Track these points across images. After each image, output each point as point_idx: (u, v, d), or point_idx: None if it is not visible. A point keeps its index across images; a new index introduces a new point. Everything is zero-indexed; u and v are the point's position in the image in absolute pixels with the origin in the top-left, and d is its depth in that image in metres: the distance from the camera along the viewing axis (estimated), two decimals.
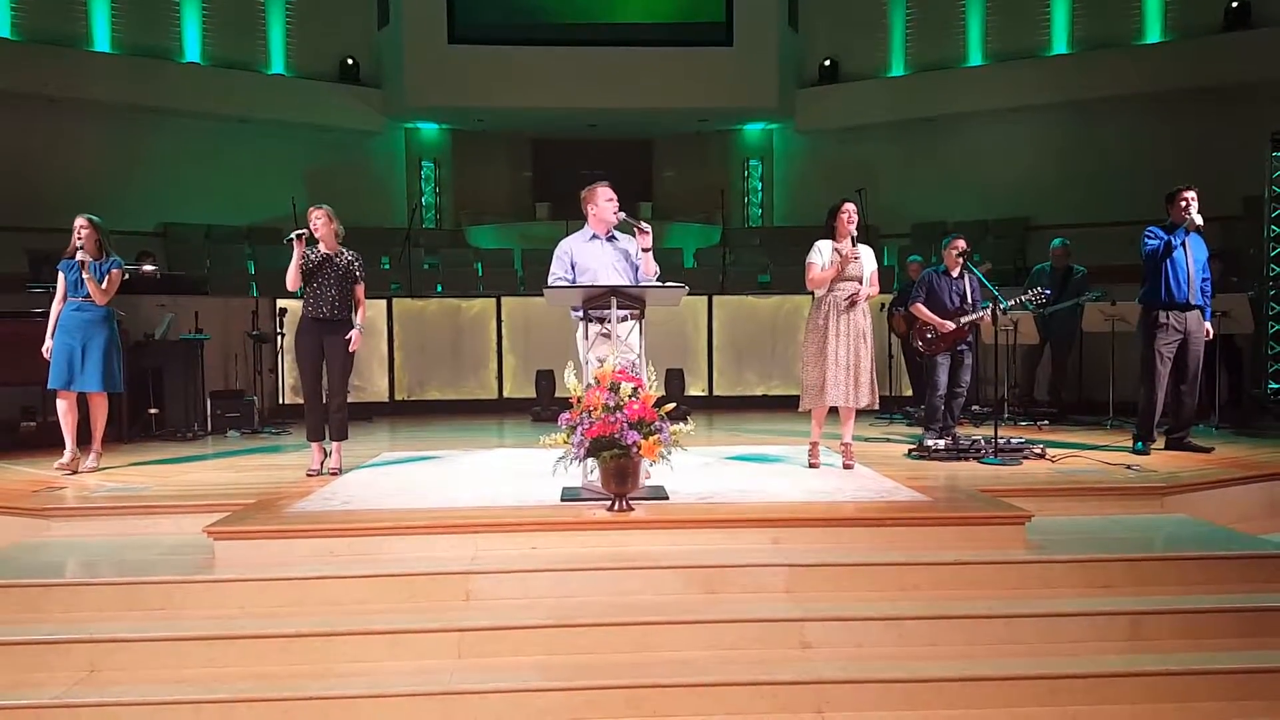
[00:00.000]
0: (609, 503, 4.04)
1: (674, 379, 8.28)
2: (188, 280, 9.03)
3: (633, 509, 4.01)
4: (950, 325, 6.16)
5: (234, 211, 11.68)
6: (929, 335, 6.27)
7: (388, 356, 9.01)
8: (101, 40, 11.17)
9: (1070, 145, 11.48)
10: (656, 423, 3.91)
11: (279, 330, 8.10)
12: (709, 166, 13.70)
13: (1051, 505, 4.49)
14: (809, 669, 3.27)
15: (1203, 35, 10.69)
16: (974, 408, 7.34)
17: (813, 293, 5.26)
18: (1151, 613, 3.52)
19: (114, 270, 5.39)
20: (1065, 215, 10.62)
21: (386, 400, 8.94)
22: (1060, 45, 11.63)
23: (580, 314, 4.57)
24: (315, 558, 3.77)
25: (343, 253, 5.21)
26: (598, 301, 4.42)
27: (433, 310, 9.22)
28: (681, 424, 4.24)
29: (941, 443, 5.69)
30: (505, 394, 9.09)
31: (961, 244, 6.27)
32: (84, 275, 5.27)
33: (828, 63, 12.81)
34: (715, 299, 9.22)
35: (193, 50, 11.73)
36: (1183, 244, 5.61)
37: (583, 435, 3.88)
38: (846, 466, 5.17)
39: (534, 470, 4.80)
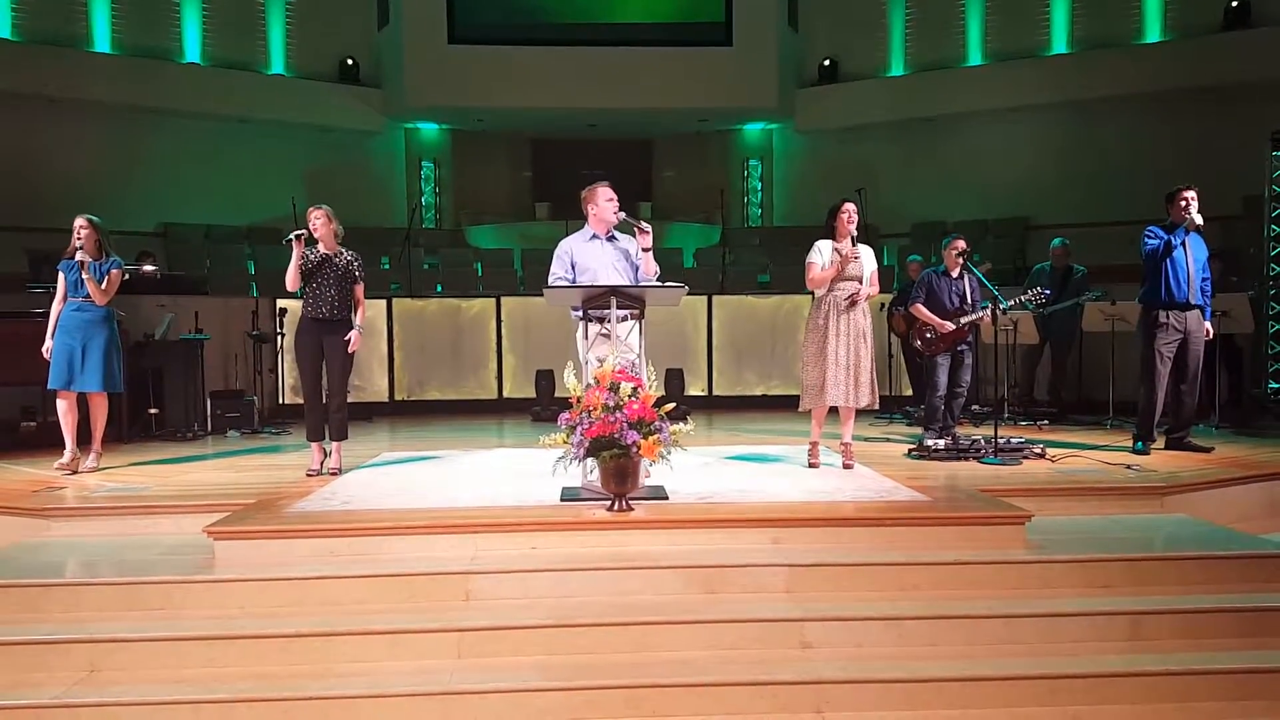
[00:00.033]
0: (609, 503, 4.04)
1: (674, 379, 8.28)
2: (188, 280, 9.04)
3: (632, 509, 4.01)
4: (950, 325, 6.16)
5: (234, 211, 11.68)
6: (928, 335, 6.27)
7: (387, 356, 9.01)
8: (101, 40, 11.17)
9: (1070, 145, 11.48)
10: (656, 422, 3.91)
11: (279, 330, 8.10)
12: (709, 166, 13.70)
13: (1051, 505, 4.49)
14: (809, 669, 3.27)
15: (1202, 35, 10.69)
16: (974, 407, 7.34)
17: (812, 293, 5.26)
18: (1151, 613, 3.52)
19: (113, 270, 5.39)
20: (1065, 215, 10.62)
21: (386, 400, 8.94)
22: (1060, 45, 11.63)
23: (580, 314, 4.57)
24: (315, 558, 3.77)
25: (342, 253, 5.21)
26: (597, 301, 4.42)
27: (432, 310, 9.23)
28: (681, 424, 4.24)
29: (941, 442, 5.69)
30: (505, 394, 9.09)
31: (961, 244, 6.27)
32: (83, 275, 5.27)
33: (827, 63, 12.81)
34: (715, 299, 9.22)
35: (193, 50, 11.74)
36: (1183, 244, 5.61)
37: (582, 435, 3.88)
38: (846, 466, 5.17)
39: (534, 470, 4.80)
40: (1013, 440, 5.71)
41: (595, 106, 12.30)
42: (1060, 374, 8.05)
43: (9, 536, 4.34)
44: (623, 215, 4.71)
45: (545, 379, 8.20)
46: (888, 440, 6.63)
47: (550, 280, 4.66)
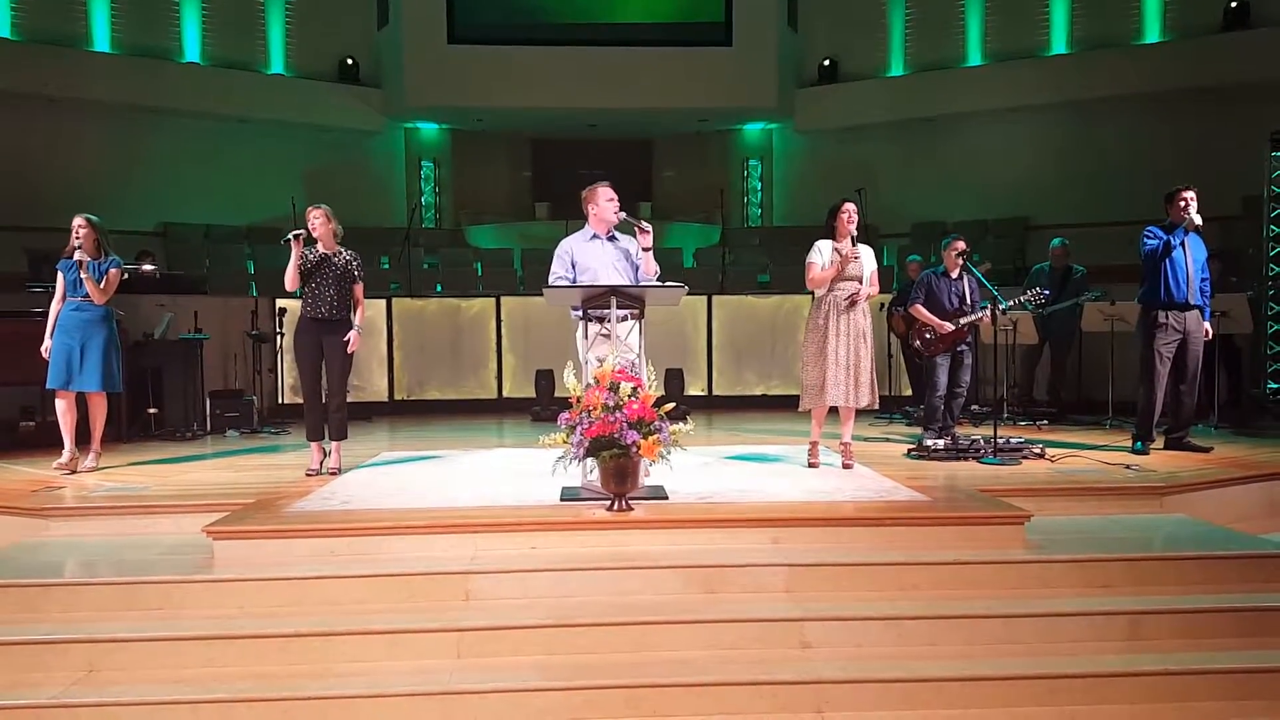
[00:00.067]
0: (608, 502, 4.04)
1: (673, 379, 8.28)
2: (187, 280, 9.04)
3: (632, 509, 4.01)
4: (949, 326, 6.16)
5: (233, 211, 11.68)
6: (927, 336, 6.27)
7: (387, 356, 9.01)
8: (101, 40, 11.17)
9: (1069, 145, 11.49)
10: (656, 422, 3.91)
11: (278, 330, 8.10)
12: (708, 166, 13.70)
13: (1051, 505, 4.49)
14: (808, 669, 3.27)
15: (1202, 35, 10.70)
16: (973, 407, 7.34)
17: (812, 292, 5.26)
18: (1150, 612, 3.52)
19: (112, 270, 5.38)
20: (1064, 215, 10.62)
21: (386, 400, 8.93)
22: (1059, 45, 11.64)
23: (580, 314, 4.57)
24: (314, 558, 3.77)
25: (341, 252, 5.21)
26: (597, 301, 4.42)
27: (432, 310, 9.22)
28: (681, 424, 4.24)
29: (941, 442, 5.68)
30: (505, 394, 9.09)
31: (961, 245, 6.27)
32: (82, 275, 5.27)
33: (827, 63, 12.81)
34: (715, 299, 9.22)
35: (192, 50, 11.73)
36: (1182, 244, 5.61)
37: (582, 435, 3.88)
38: (846, 466, 5.17)
39: (533, 470, 4.80)
40: (1012, 440, 5.71)
41: (595, 106, 12.30)
42: (1059, 374, 8.05)
43: (8, 536, 4.34)
44: (623, 215, 4.71)
45: (545, 379, 8.20)
46: (887, 440, 6.63)
47: (551, 280, 4.66)
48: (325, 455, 5.29)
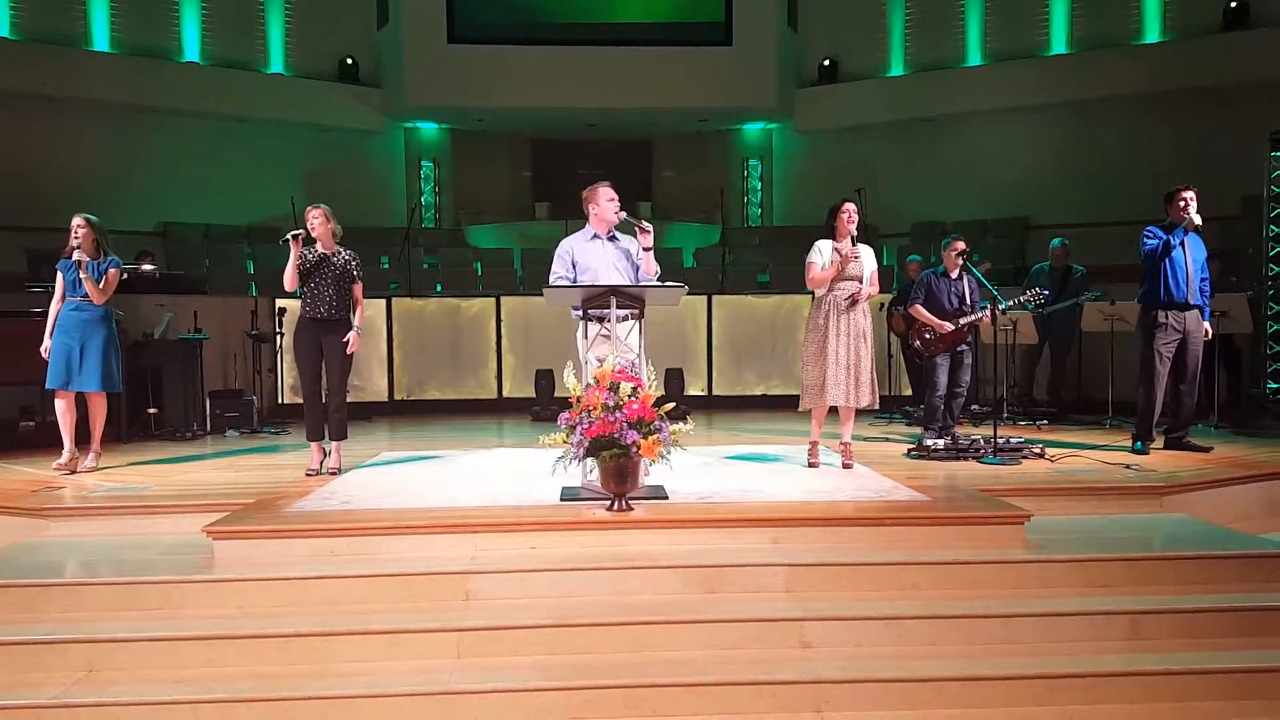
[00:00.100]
0: (608, 502, 4.04)
1: (673, 379, 8.28)
2: (187, 280, 9.04)
3: (632, 509, 4.01)
4: (948, 326, 6.16)
5: (233, 211, 11.68)
6: (927, 336, 6.27)
7: (387, 356, 9.00)
8: (101, 40, 11.17)
9: (1069, 145, 11.49)
10: (656, 422, 3.91)
11: (278, 330, 8.10)
12: (708, 166, 13.70)
13: (1050, 505, 4.49)
14: (808, 669, 3.27)
15: (1201, 35, 10.70)
16: (973, 407, 7.34)
17: (812, 292, 5.26)
18: (1150, 612, 3.52)
19: (111, 270, 5.38)
20: (1064, 215, 10.62)
21: (386, 400, 8.93)
22: (1059, 45, 11.64)
23: (580, 313, 4.58)
24: (314, 558, 3.77)
25: (340, 252, 5.20)
26: (597, 301, 4.42)
27: (432, 310, 9.22)
28: (681, 424, 4.24)
29: (941, 442, 5.68)
30: (505, 394, 9.09)
31: (961, 245, 6.27)
32: (81, 275, 5.27)
33: (827, 62, 12.81)
34: (715, 298, 9.22)
35: (192, 50, 11.73)
36: (1181, 244, 5.61)
37: (582, 435, 3.88)
38: (846, 466, 5.17)
39: (533, 470, 4.80)
40: (1012, 440, 5.71)
41: (595, 106, 12.31)
42: (1059, 374, 8.05)
43: (8, 536, 4.34)
44: (624, 215, 4.71)
45: (545, 379, 8.20)
46: (887, 440, 6.63)
47: (551, 279, 4.66)
48: (325, 455, 5.29)
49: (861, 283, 5.10)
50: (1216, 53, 10.44)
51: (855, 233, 5.13)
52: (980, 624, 3.47)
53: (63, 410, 5.35)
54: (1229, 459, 5.55)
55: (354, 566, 3.69)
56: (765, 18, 12.19)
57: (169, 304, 7.62)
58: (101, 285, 5.32)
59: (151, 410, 7.08)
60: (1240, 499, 4.98)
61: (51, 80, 10.46)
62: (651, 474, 4.42)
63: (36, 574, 3.71)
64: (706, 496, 4.40)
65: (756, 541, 3.90)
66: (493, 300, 9.22)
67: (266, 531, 3.87)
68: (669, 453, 3.98)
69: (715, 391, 9.13)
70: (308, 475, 5.15)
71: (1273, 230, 7.80)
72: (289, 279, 5.09)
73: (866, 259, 5.15)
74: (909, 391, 8.36)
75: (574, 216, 5.37)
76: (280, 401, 8.51)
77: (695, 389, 8.94)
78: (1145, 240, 5.70)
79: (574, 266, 4.73)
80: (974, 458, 5.47)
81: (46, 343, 5.31)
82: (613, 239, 4.78)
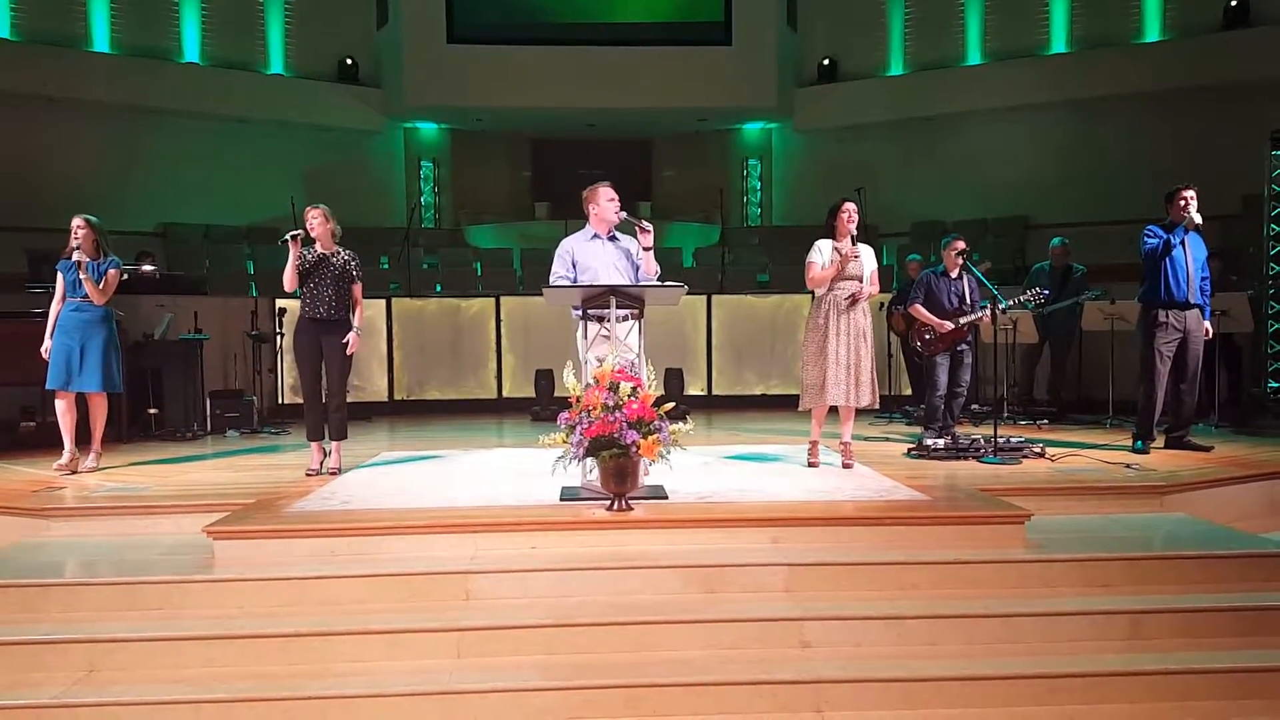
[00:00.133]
0: (608, 502, 4.04)
1: (673, 378, 8.28)
2: (187, 280, 9.04)
3: (632, 508, 4.01)
4: (948, 325, 6.16)
5: (233, 211, 11.68)
6: (927, 336, 6.27)
7: (387, 356, 9.01)
8: (101, 40, 11.16)
9: (1069, 144, 11.48)
10: (655, 422, 3.91)
11: (278, 330, 8.10)
12: (708, 166, 13.70)
13: (1051, 504, 4.49)
14: (808, 668, 3.27)
15: (1202, 34, 10.69)
16: (973, 407, 7.34)
17: (812, 292, 5.26)
18: (1151, 612, 3.52)
19: (111, 270, 5.37)
20: (1064, 214, 10.61)
21: (386, 400, 8.94)
22: (1059, 44, 11.64)
23: (580, 313, 4.58)
24: (314, 557, 3.77)
25: (339, 252, 5.20)
26: (597, 301, 4.42)
27: (432, 310, 9.22)
28: (680, 423, 4.24)
29: (941, 442, 5.68)
30: (504, 393, 9.09)
31: (961, 244, 6.27)
32: (81, 275, 5.26)
33: (826, 62, 12.81)
34: (714, 298, 9.22)
35: (192, 50, 11.73)
36: (1182, 243, 5.61)
37: (582, 435, 3.88)
38: (846, 466, 5.17)
39: (533, 470, 4.80)
40: (1012, 439, 5.70)
41: (594, 106, 12.30)
42: (1060, 373, 8.05)
43: (8, 536, 4.34)
44: (624, 215, 4.71)
45: (545, 379, 8.20)
46: (887, 440, 6.63)
47: (551, 279, 4.66)
48: (325, 455, 5.29)
49: (861, 282, 5.09)
50: (1217, 51, 10.43)
51: (855, 232, 5.13)
52: (980, 623, 3.47)
53: (63, 411, 5.35)
54: (1229, 458, 5.54)
55: (354, 566, 3.69)
56: (765, 17, 12.19)
57: (169, 304, 7.62)
58: (101, 286, 5.32)
59: (152, 410, 7.08)
60: (1241, 498, 4.98)
61: (51, 81, 10.46)
62: (651, 474, 4.42)
63: (37, 574, 3.71)
64: (706, 496, 4.40)
65: (756, 541, 3.90)
66: (492, 300, 9.22)
67: (266, 531, 3.87)
68: (669, 452, 3.98)
69: (715, 391, 9.13)
70: (308, 475, 5.15)
71: (1273, 229, 7.80)
72: (288, 279, 5.09)
73: (866, 258, 5.14)
74: (909, 391, 8.36)
75: (574, 216, 5.37)
76: (280, 401, 8.52)
77: (695, 389, 8.94)
78: (1145, 239, 5.70)
79: (574, 266, 4.73)
80: (974, 457, 5.47)
81: (47, 343, 5.31)
82: (613, 239, 4.78)
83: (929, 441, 5.73)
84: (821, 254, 5.13)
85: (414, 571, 3.63)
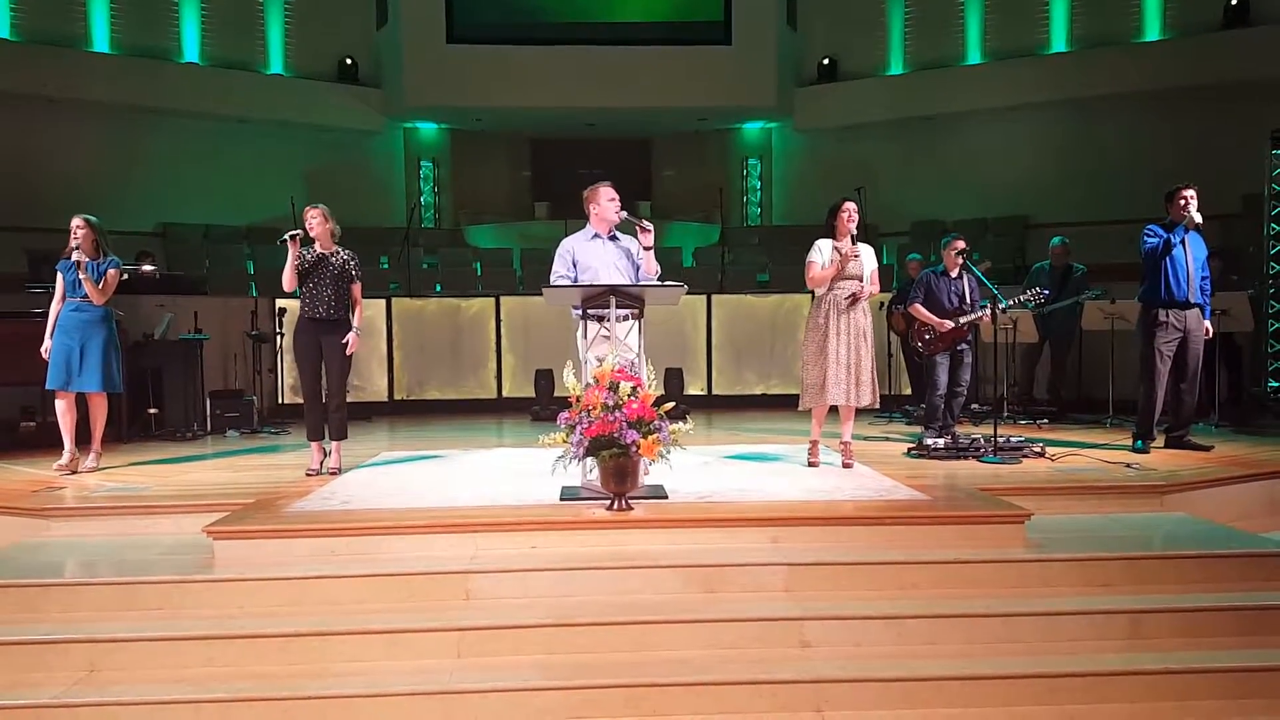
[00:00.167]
0: (608, 502, 4.04)
1: (673, 378, 8.28)
2: (187, 280, 9.04)
3: (632, 508, 4.01)
4: (948, 325, 6.16)
5: (233, 211, 11.68)
6: (927, 336, 6.27)
7: (387, 356, 9.01)
8: (100, 40, 11.16)
9: (1069, 143, 11.48)
10: (655, 422, 3.91)
11: (278, 330, 8.10)
12: (708, 165, 13.70)
13: (1051, 504, 4.49)
14: (808, 668, 3.27)
15: (1202, 33, 10.69)
16: (973, 406, 7.34)
17: (812, 292, 5.26)
18: (1151, 611, 3.52)
19: (110, 270, 5.37)
20: (1064, 214, 10.61)
21: (386, 400, 8.93)
22: (1059, 43, 11.63)
23: (580, 313, 4.58)
24: (314, 557, 3.77)
25: (338, 252, 5.20)
26: (597, 300, 4.42)
27: (432, 310, 9.22)
28: (680, 423, 4.24)
29: (941, 441, 5.68)
30: (504, 393, 9.09)
31: (961, 244, 6.27)
32: (80, 275, 5.26)
33: (826, 61, 12.80)
34: (714, 298, 9.22)
35: (191, 50, 11.73)
36: (1182, 242, 5.61)
37: (582, 434, 3.88)
38: (846, 465, 5.17)
39: (533, 469, 4.80)
40: (1012, 439, 5.70)
41: (594, 106, 12.30)
42: (1060, 373, 8.04)
43: (8, 536, 4.34)
44: (625, 214, 4.71)
45: (544, 378, 8.20)
46: (887, 439, 6.63)
47: (552, 279, 4.67)
48: (325, 455, 5.29)
49: (862, 282, 5.09)
50: (1217, 51, 10.43)
51: (855, 232, 5.12)
52: (980, 623, 3.47)
53: (63, 411, 5.35)
54: (1230, 458, 5.54)
55: (354, 566, 3.69)
56: (764, 17, 12.19)
57: (169, 304, 7.62)
58: (101, 286, 5.32)
59: (152, 410, 7.08)
60: (1241, 498, 4.98)
61: (51, 81, 10.46)
62: (651, 473, 4.42)
63: (37, 574, 3.72)
64: (706, 496, 4.40)
65: (756, 541, 3.90)
66: (492, 300, 9.22)
67: (266, 531, 3.87)
68: (668, 452, 3.98)
69: (715, 391, 9.13)
70: (308, 475, 5.15)
71: (1273, 228, 7.79)
72: (287, 279, 5.09)
73: (866, 258, 5.14)
74: (909, 390, 8.36)
75: (573, 216, 5.38)
76: (280, 401, 8.52)
77: (695, 388, 8.93)
78: (1146, 239, 5.70)
79: (575, 266, 4.73)
80: (974, 457, 5.47)
81: (47, 343, 5.31)
82: (613, 238, 4.78)
83: (929, 441, 5.73)
84: (821, 253, 5.13)
85: (414, 571, 3.63)
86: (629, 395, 3.90)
